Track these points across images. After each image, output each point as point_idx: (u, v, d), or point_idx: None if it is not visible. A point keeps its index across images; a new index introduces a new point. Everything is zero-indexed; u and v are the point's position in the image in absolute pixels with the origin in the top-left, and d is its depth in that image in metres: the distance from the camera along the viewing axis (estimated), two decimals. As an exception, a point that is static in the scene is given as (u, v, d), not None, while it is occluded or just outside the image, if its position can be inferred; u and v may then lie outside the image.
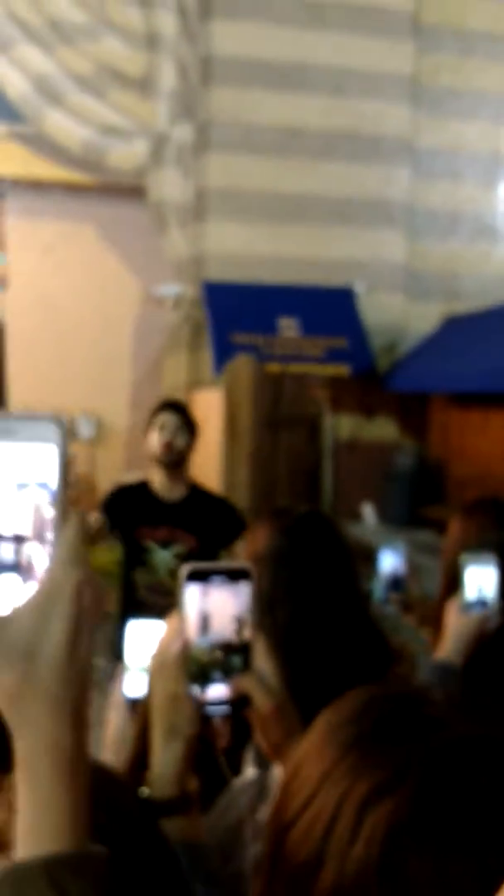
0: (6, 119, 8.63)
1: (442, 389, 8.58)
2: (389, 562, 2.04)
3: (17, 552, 0.61)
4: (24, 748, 0.59)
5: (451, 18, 9.28)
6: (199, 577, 0.97)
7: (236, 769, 1.13)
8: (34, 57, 8.61)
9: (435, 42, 9.28)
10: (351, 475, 8.73)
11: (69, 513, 0.62)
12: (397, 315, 9.27)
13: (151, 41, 8.82)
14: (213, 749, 1.06)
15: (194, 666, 0.95)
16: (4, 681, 0.58)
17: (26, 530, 0.61)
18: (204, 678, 0.96)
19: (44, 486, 0.61)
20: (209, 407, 7.66)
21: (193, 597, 0.96)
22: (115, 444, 8.34)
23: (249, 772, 1.12)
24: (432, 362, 8.52)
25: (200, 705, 0.96)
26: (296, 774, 0.64)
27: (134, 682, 1.60)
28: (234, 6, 8.84)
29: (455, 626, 1.42)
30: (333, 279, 8.91)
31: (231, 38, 8.82)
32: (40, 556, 0.62)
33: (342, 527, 1.65)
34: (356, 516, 8.98)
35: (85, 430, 7.93)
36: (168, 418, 3.49)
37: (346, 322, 8.71)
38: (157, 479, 3.48)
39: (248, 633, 0.97)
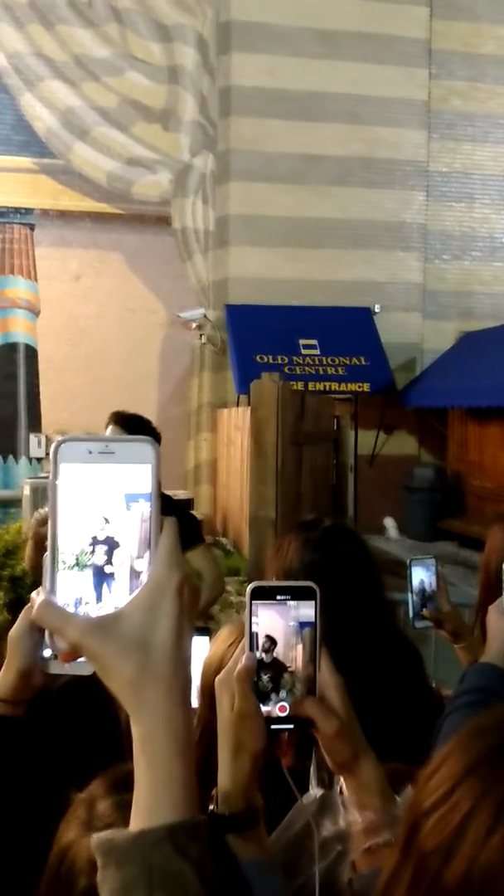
0: (35, 153, 8.96)
1: (459, 405, 8.76)
2: (420, 577, 2.00)
3: (109, 555, 0.68)
4: (142, 729, 0.66)
5: (463, 45, 9.54)
6: (265, 595, 0.97)
7: (301, 787, 1.08)
8: (61, 92, 8.95)
9: (447, 68, 9.54)
10: (372, 489, 8.92)
11: (164, 522, 0.69)
12: (414, 333, 9.50)
13: (172, 74, 9.14)
14: (279, 766, 1.01)
15: (260, 684, 0.95)
16: (124, 670, 0.65)
17: (130, 538, 0.68)
18: (269, 696, 0.96)
19: (146, 498, 0.68)
20: (233, 425, 7.90)
21: (258, 615, 0.96)
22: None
23: (313, 789, 1.11)
24: (450, 378, 8.71)
25: (266, 723, 0.95)
26: (437, 767, 0.66)
27: None
28: (251, 39, 9.14)
29: (500, 630, 1.39)
30: (352, 300, 9.15)
31: (249, 70, 9.12)
32: (126, 561, 0.68)
33: (365, 538, 1.78)
34: (378, 529, 9.16)
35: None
36: (114, 432, 3.31)
37: (364, 341, 8.92)
38: None
39: (298, 653, 0.97)
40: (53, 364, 8.95)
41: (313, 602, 0.97)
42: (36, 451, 8.83)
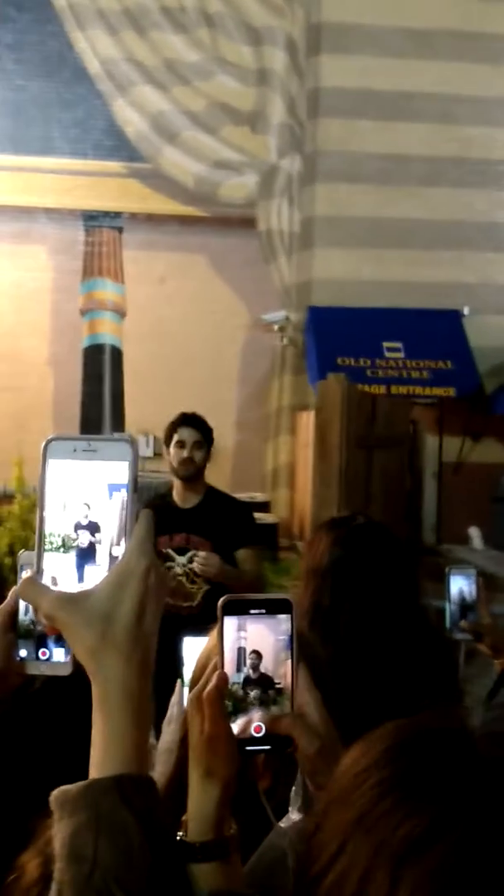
0: (125, 158, 9.13)
1: (550, 411, 8.46)
2: (459, 586, 1.93)
3: (93, 538, 0.77)
4: (99, 691, 0.74)
5: None
6: (237, 609, 0.94)
7: (281, 811, 1.05)
8: (151, 97, 9.08)
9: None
10: (456, 498, 8.69)
11: (140, 513, 0.77)
12: (504, 337, 9.21)
13: (261, 77, 9.15)
14: (255, 790, 0.98)
15: (231, 703, 0.91)
16: (87, 638, 0.74)
17: (110, 524, 0.77)
18: (241, 713, 0.92)
19: (125, 487, 0.78)
20: (311, 428, 7.83)
21: (231, 630, 0.93)
22: (222, 463, 8.61)
23: (294, 814, 1.06)
24: (541, 384, 8.41)
25: (239, 744, 0.91)
26: (323, 822, 0.64)
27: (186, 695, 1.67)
28: (341, 40, 9.06)
29: None
30: (439, 303, 8.94)
31: (338, 71, 9.04)
32: (106, 545, 0.77)
33: (397, 538, 1.69)
34: (462, 540, 8.91)
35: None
36: (187, 434, 3.49)
37: (452, 344, 8.70)
38: (176, 490, 3.52)
39: (287, 668, 0.93)
40: (138, 365, 9.09)
41: (289, 616, 0.95)
42: (118, 450, 8.99)
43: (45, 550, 0.79)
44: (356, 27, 9.03)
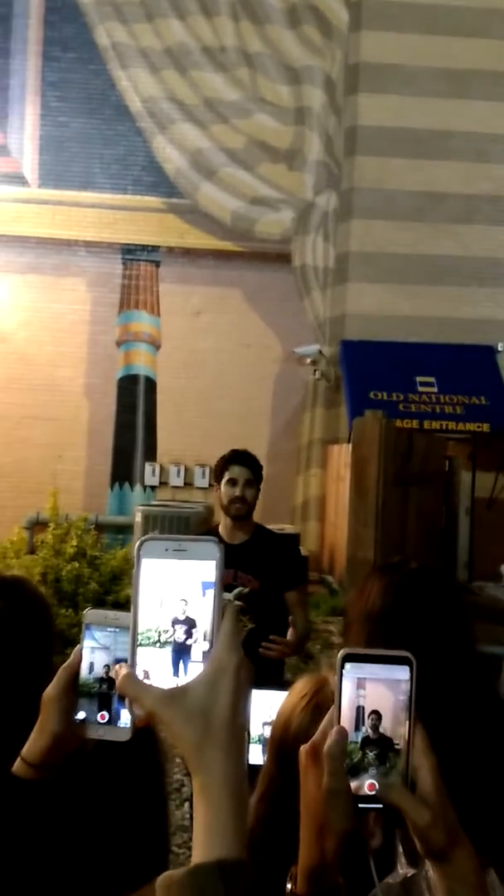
0: (164, 193, 9.29)
1: None
2: None
3: (189, 633, 0.81)
4: (201, 782, 0.78)
5: None
6: (355, 661, 0.94)
7: (387, 869, 1.03)
8: (191, 134, 9.26)
9: None
10: (489, 534, 8.61)
11: (226, 607, 0.82)
12: (540, 374, 9.19)
13: (299, 116, 9.30)
14: (365, 848, 0.96)
15: (349, 760, 0.91)
16: (188, 733, 0.78)
17: (205, 620, 0.82)
18: (358, 773, 0.91)
19: (212, 586, 0.82)
20: (343, 462, 7.83)
21: (366, 687, 0.93)
22: (254, 496, 8.64)
23: (399, 871, 1.04)
24: None
25: (353, 800, 0.90)
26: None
27: (252, 751, 1.63)
28: (379, 80, 9.19)
29: None
30: (473, 338, 8.94)
31: (375, 109, 9.16)
32: (201, 640, 0.81)
33: (456, 583, 1.64)
34: (495, 577, 8.82)
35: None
36: (239, 471, 3.43)
37: (485, 380, 8.68)
38: (224, 525, 3.47)
39: (403, 729, 0.91)
40: (171, 396, 9.16)
41: (409, 671, 0.92)
42: (150, 480, 9.05)
43: (139, 645, 0.82)
44: (393, 67, 9.15)
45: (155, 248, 9.28)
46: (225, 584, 2.77)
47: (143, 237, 9.25)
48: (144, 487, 9.06)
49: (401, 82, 9.14)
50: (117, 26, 9.36)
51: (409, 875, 1.03)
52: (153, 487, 9.07)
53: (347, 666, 0.92)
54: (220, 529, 3.53)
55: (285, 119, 9.30)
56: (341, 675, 0.92)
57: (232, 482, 3.42)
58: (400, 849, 1.04)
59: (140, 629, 0.82)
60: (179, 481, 9.14)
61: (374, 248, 9.04)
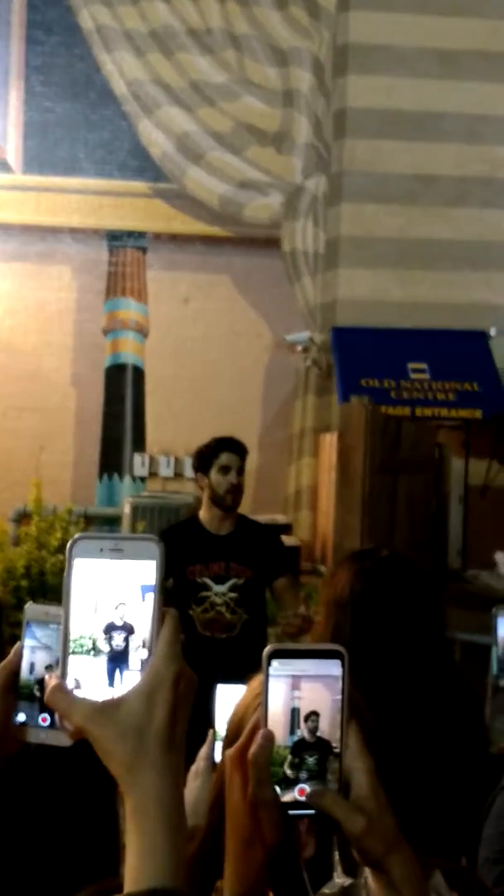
0: (150, 178, 9.15)
1: None
2: None
3: (127, 640, 0.76)
4: (133, 804, 0.73)
5: None
6: (284, 658, 0.86)
7: (323, 879, 0.99)
8: (177, 118, 9.11)
9: None
10: (482, 522, 8.52)
11: (165, 614, 0.76)
12: (532, 359, 9.07)
13: (287, 98, 9.15)
14: (297, 859, 0.92)
15: (279, 768, 0.83)
16: (120, 752, 0.72)
17: (144, 626, 0.76)
18: (288, 781, 0.83)
19: (152, 589, 0.76)
20: (333, 451, 7.73)
21: (301, 688, 0.84)
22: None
23: (336, 880, 0.99)
24: None
25: (282, 808, 0.83)
26: None
27: (218, 749, 1.55)
28: (368, 61, 9.04)
29: None
30: (466, 324, 8.83)
31: (365, 91, 9.00)
32: (139, 648, 0.76)
33: (426, 572, 1.63)
34: (488, 565, 8.74)
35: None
36: (232, 459, 3.40)
37: (478, 366, 8.58)
38: (210, 516, 3.42)
39: (335, 730, 0.84)
40: (159, 385, 9.07)
41: (341, 667, 0.86)
42: (139, 471, 8.96)
43: (71, 653, 0.76)
44: (383, 48, 9.00)
45: (141, 234, 9.16)
46: (217, 576, 2.71)
47: (130, 223, 9.13)
48: (134, 478, 8.97)
49: (390, 63, 8.99)
50: (101, 9, 9.19)
51: (346, 885, 0.97)
52: (143, 478, 8.98)
53: (275, 663, 0.84)
54: (205, 520, 3.49)
55: (273, 102, 9.16)
56: (268, 673, 0.85)
57: (225, 469, 3.43)
58: (336, 857, 0.99)
59: (72, 636, 0.76)
60: (169, 472, 9.05)
61: (364, 232, 8.90)
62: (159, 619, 0.76)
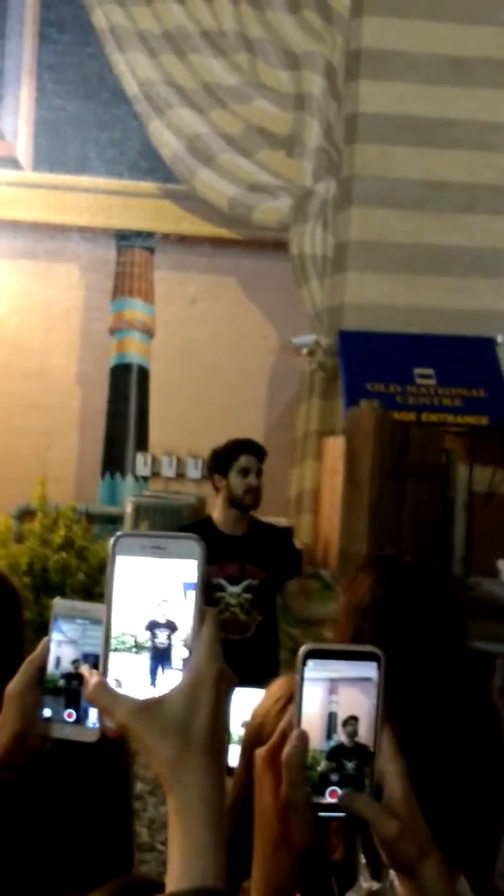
0: (160, 179, 9.15)
1: None
2: None
3: (170, 638, 0.76)
4: (177, 803, 0.73)
5: None
6: (320, 658, 0.84)
7: (347, 882, 0.98)
8: (189, 119, 9.10)
9: None
10: (486, 529, 8.50)
11: (206, 613, 0.76)
12: (540, 367, 9.06)
13: (299, 101, 9.15)
14: (326, 861, 0.93)
15: (312, 771, 0.82)
16: (164, 750, 0.72)
17: (186, 624, 0.76)
18: (320, 784, 0.82)
19: (193, 587, 0.76)
20: (339, 454, 7.71)
21: (339, 692, 0.83)
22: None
23: (363, 884, 0.98)
24: None
25: (314, 809, 0.82)
26: None
27: (234, 752, 1.51)
28: (381, 66, 9.04)
29: None
30: (473, 330, 8.82)
31: (377, 96, 9.00)
32: (181, 646, 0.76)
33: (450, 579, 1.59)
34: (491, 572, 8.71)
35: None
36: (251, 461, 3.42)
37: (485, 372, 8.56)
38: (225, 517, 3.43)
39: (372, 735, 0.82)
40: (164, 385, 9.07)
41: (377, 671, 0.84)
42: (142, 470, 8.96)
43: (113, 650, 0.76)
44: (395, 53, 9.00)
45: (150, 235, 9.16)
46: (232, 577, 2.69)
47: (139, 223, 9.14)
48: (136, 478, 8.96)
49: (403, 69, 9.00)
50: (115, 8, 9.20)
51: (372, 889, 0.96)
52: (145, 478, 8.98)
53: (311, 663, 0.82)
54: (219, 521, 3.50)
55: (285, 105, 9.17)
56: (303, 674, 0.82)
57: (245, 472, 3.44)
58: (362, 860, 0.97)
59: (114, 633, 0.75)
60: (172, 472, 9.04)
61: (373, 237, 8.89)
62: (200, 617, 0.76)
